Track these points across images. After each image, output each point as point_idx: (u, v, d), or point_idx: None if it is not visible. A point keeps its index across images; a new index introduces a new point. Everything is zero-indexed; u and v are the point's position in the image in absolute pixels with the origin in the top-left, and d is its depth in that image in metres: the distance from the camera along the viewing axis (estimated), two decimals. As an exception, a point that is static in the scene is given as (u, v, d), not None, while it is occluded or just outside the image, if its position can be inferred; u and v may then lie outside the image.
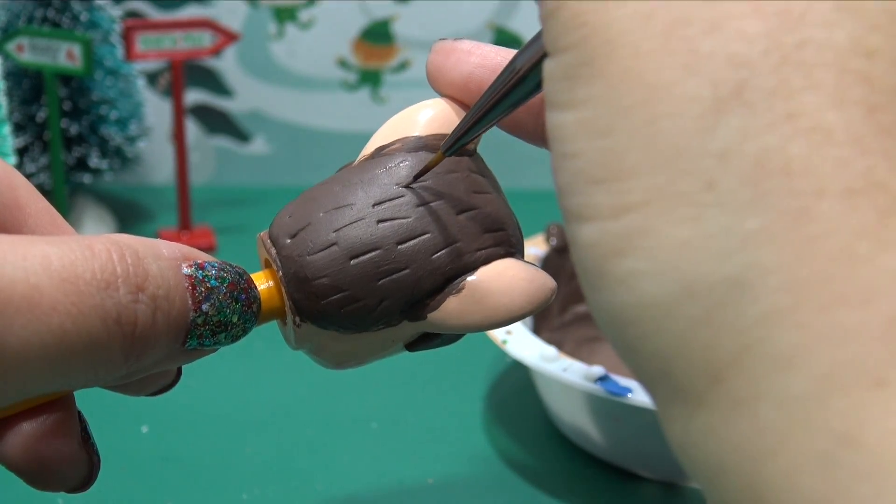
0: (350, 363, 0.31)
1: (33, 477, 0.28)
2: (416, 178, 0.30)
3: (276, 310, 0.30)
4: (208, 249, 0.80)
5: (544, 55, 0.23)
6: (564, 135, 0.22)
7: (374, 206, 0.30)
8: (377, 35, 0.91)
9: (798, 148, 0.19)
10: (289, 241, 0.30)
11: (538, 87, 0.27)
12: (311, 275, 0.29)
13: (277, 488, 0.53)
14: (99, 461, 0.29)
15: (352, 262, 0.29)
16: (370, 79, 0.92)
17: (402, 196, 0.30)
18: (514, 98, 0.27)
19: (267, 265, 0.31)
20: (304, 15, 0.90)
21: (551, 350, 0.53)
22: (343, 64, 0.92)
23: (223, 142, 0.94)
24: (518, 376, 0.64)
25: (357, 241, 0.29)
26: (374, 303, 0.29)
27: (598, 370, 0.51)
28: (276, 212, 0.31)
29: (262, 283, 0.30)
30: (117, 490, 0.52)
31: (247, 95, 0.93)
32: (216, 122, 0.94)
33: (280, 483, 0.54)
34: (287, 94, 0.93)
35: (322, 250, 0.29)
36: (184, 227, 0.81)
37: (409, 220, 0.30)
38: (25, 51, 0.73)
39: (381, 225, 0.29)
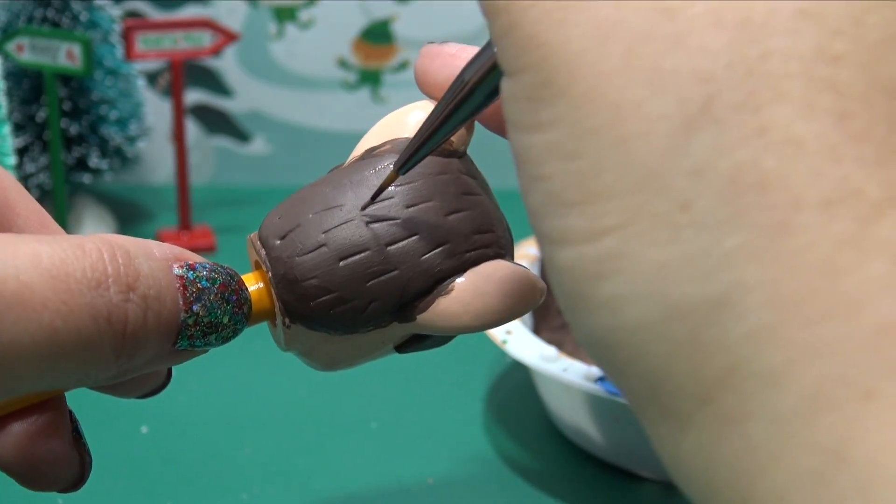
0: (340, 365, 0.31)
1: (25, 477, 0.28)
2: (374, 198, 0.30)
3: (266, 311, 0.30)
4: (208, 250, 0.80)
5: (493, 66, 0.22)
6: (533, 157, 0.21)
7: (363, 207, 0.30)
8: (377, 35, 0.91)
9: (771, 162, 0.19)
10: (278, 242, 0.30)
11: (488, 98, 0.26)
12: (301, 276, 0.29)
13: (277, 488, 0.53)
14: (91, 460, 0.29)
15: (341, 263, 0.29)
16: (370, 79, 0.92)
17: (391, 197, 0.30)
18: (464, 112, 0.27)
19: (257, 266, 0.31)
20: (304, 15, 0.90)
21: (551, 350, 0.53)
22: (343, 64, 0.92)
23: (223, 142, 0.94)
24: (518, 376, 0.63)
25: (346, 243, 0.29)
26: (364, 304, 0.29)
27: (597, 370, 0.51)
28: (276, 212, 0.31)
29: (253, 284, 0.30)
30: (117, 490, 0.52)
31: (246, 95, 0.93)
32: (216, 122, 0.94)
33: (280, 483, 0.54)
34: (287, 94, 0.92)
35: (311, 251, 0.29)
36: (184, 228, 0.81)
37: (399, 221, 0.29)
38: (25, 51, 0.73)
39: (370, 226, 0.29)
